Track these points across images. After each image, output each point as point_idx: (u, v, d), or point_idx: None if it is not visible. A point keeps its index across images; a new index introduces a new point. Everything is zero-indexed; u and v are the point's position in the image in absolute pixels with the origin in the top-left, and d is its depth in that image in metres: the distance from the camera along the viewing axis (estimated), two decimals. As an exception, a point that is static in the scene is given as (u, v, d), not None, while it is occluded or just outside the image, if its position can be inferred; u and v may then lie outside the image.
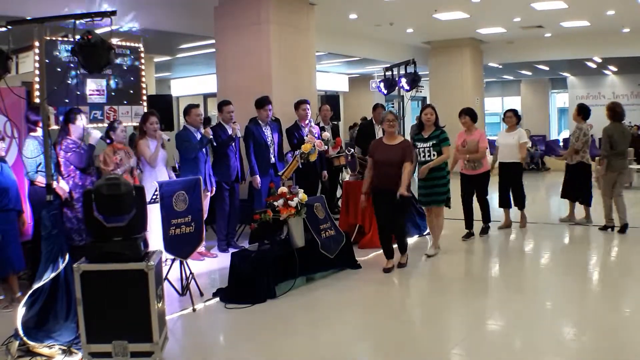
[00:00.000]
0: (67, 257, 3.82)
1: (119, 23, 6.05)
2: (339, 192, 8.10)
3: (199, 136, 6.05)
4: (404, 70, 8.52)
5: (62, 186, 4.95)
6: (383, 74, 8.85)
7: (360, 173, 6.60)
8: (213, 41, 8.69)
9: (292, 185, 5.57)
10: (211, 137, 6.07)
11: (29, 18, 4.04)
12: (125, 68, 6.28)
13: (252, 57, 7.97)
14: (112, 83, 6.12)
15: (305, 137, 6.75)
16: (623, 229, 6.97)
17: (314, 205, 5.44)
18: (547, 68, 18.67)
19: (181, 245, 4.76)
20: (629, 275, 5.41)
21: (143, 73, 6.50)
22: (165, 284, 4.30)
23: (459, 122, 6.86)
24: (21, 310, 3.66)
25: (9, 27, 3.82)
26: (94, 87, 5.96)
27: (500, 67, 17.37)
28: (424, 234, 6.98)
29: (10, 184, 4.62)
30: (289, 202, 5.05)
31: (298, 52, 8.25)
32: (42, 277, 3.73)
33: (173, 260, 5.05)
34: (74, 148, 5.06)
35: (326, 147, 6.98)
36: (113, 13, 3.75)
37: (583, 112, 7.51)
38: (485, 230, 7.01)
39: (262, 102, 6.58)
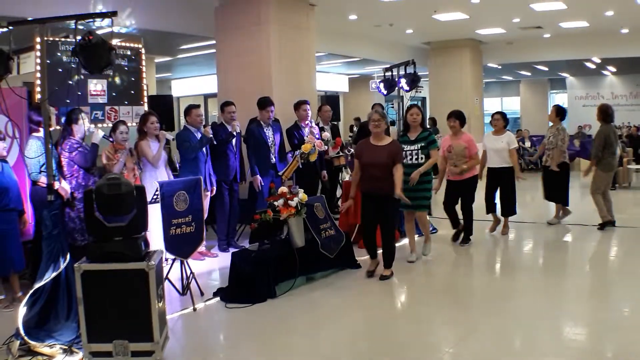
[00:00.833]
0: (68, 256, 3.83)
1: (120, 23, 6.06)
2: (339, 192, 8.11)
3: (199, 136, 6.07)
4: (404, 70, 8.52)
5: (64, 186, 4.97)
6: (383, 74, 8.85)
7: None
8: (213, 41, 8.70)
9: (292, 185, 5.58)
10: (211, 136, 6.08)
11: (30, 19, 4.05)
12: (126, 68, 6.29)
13: (252, 57, 7.99)
14: (118, 79, 6.14)
15: (305, 138, 6.77)
16: (605, 225, 7.21)
17: (314, 205, 5.45)
18: (546, 68, 18.70)
19: (182, 245, 4.78)
20: (629, 275, 5.41)
21: (144, 73, 6.51)
22: (166, 283, 4.32)
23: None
24: (22, 310, 3.67)
25: (10, 27, 3.83)
26: (94, 88, 5.98)
27: (500, 67, 17.40)
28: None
29: (11, 184, 4.63)
30: (289, 202, 5.06)
31: (298, 53, 8.26)
32: (43, 276, 3.74)
33: (174, 260, 5.06)
34: (78, 148, 5.08)
35: (326, 147, 6.99)
36: (114, 14, 3.76)
37: (561, 113, 7.50)
38: (466, 240, 6.55)
39: (265, 103, 6.60)
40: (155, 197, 4.77)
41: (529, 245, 6.84)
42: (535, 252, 6.58)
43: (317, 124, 7.54)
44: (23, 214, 4.82)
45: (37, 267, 3.96)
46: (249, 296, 4.70)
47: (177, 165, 6.56)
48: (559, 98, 24.29)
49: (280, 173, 6.52)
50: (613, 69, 19.43)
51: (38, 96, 5.00)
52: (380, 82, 8.92)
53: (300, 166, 6.48)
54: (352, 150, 7.30)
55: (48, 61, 4.84)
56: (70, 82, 5.64)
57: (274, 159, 6.66)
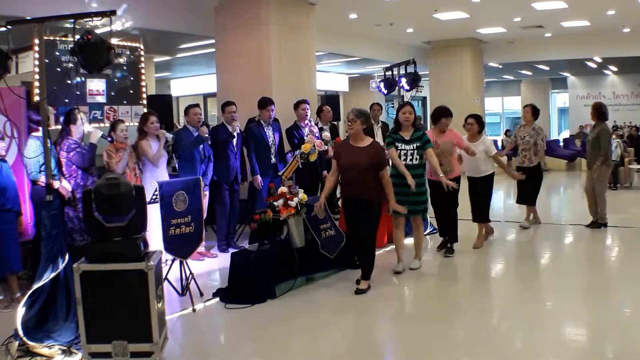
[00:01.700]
0: (66, 257, 3.82)
1: (118, 22, 6.05)
2: (338, 192, 8.09)
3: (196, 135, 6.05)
4: (404, 70, 8.51)
5: (65, 186, 4.96)
6: (383, 73, 8.83)
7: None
8: (213, 41, 8.69)
9: (292, 185, 5.56)
10: (206, 135, 6.06)
11: (28, 18, 4.04)
12: (125, 68, 6.27)
13: (252, 57, 7.97)
14: (117, 79, 6.13)
15: (305, 137, 6.75)
16: (599, 225, 7.17)
17: (314, 206, 5.43)
18: (547, 68, 18.67)
19: (181, 245, 4.77)
20: (630, 276, 5.40)
21: (143, 73, 6.49)
22: (165, 284, 4.30)
23: (454, 123, 6.24)
24: (21, 311, 3.66)
25: (9, 27, 3.82)
26: (93, 87, 5.97)
27: (501, 67, 17.38)
28: (425, 233, 6.97)
29: (9, 184, 4.61)
30: (289, 202, 5.04)
31: (298, 52, 8.24)
32: (42, 277, 3.73)
33: (173, 261, 5.05)
34: (76, 148, 5.06)
35: (326, 147, 6.98)
36: (113, 13, 3.75)
37: (537, 113, 7.31)
38: (450, 250, 6.11)
39: (265, 103, 6.61)
40: (154, 197, 4.76)
41: (529, 246, 6.82)
42: (535, 253, 6.56)
43: (316, 124, 7.52)
44: (20, 214, 4.81)
45: (36, 268, 3.95)
46: (249, 297, 4.69)
47: (176, 165, 6.55)
48: (560, 98, 24.28)
49: (280, 173, 6.51)
50: (614, 69, 19.40)
51: (37, 96, 4.99)
52: (380, 81, 8.90)
53: (300, 166, 6.46)
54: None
55: (47, 60, 4.83)
56: (69, 82, 5.63)
57: (273, 159, 6.66)
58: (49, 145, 3.94)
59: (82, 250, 3.96)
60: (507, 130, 18.71)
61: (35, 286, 3.72)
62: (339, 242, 5.48)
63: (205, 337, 4.14)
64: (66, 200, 4.97)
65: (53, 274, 3.74)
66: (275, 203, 5.09)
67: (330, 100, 11.64)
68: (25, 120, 5.09)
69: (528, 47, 14.15)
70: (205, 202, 6.02)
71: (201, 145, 6.05)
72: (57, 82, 5.29)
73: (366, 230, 4.89)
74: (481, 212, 6.42)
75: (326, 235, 5.39)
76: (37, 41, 4.83)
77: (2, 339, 3.74)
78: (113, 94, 6.16)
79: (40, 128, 4.79)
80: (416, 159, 5.35)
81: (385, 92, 8.73)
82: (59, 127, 5.27)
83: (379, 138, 7.25)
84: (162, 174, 5.79)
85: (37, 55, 5.02)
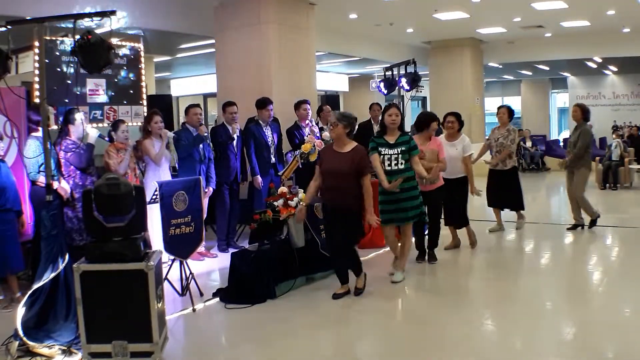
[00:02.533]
0: (66, 257, 3.82)
1: (119, 22, 6.06)
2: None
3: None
4: (404, 70, 8.52)
5: (64, 186, 4.96)
6: (383, 73, 8.84)
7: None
8: (213, 41, 8.69)
9: (292, 185, 5.56)
10: (206, 134, 6.06)
11: (28, 18, 4.04)
12: (125, 68, 6.27)
13: (252, 57, 7.97)
14: (117, 79, 6.13)
15: (305, 137, 6.76)
16: (593, 223, 7.12)
17: (314, 205, 5.42)
18: (547, 68, 18.68)
19: (181, 246, 4.77)
20: (631, 276, 5.40)
21: (143, 73, 6.50)
22: (165, 284, 4.30)
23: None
24: (21, 311, 3.65)
25: (9, 27, 3.82)
26: (93, 87, 5.97)
27: (501, 67, 17.38)
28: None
29: (8, 183, 4.61)
30: (289, 202, 5.04)
31: (298, 52, 8.24)
32: (41, 277, 3.73)
33: (173, 261, 5.05)
34: (74, 148, 5.07)
35: (326, 147, 6.98)
36: (113, 13, 3.75)
37: (512, 114, 7.05)
38: (433, 257, 5.87)
39: (264, 103, 6.62)
40: (154, 197, 4.76)
41: (529, 246, 6.82)
42: (534, 253, 6.56)
43: (317, 124, 7.53)
44: (21, 214, 4.80)
45: (36, 268, 3.95)
46: (249, 297, 4.68)
47: (176, 165, 6.56)
48: (560, 98, 24.28)
49: (279, 173, 6.51)
50: (614, 69, 19.40)
51: (37, 97, 4.99)
52: (380, 81, 8.91)
53: (300, 166, 6.46)
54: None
55: (47, 60, 4.83)
56: (69, 82, 5.63)
57: (273, 159, 6.67)
58: (48, 145, 3.94)
59: (81, 250, 3.95)
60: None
61: (35, 286, 3.72)
62: (339, 242, 5.47)
63: (205, 337, 4.14)
64: (65, 201, 4.97)
65: (53, 274, 3.73)
66: (275, 203, 5.08)
67: (330, 100, 11.67)
68: (25, 121, 5.09)
69: (528, 47, 14.15)
70: (205, 202, 6.03)
71: (200, 145, 6.05)
72: (57, 82, 5.29)
73: (345, 239, 4.64)
74: (461, 216, 6.23)
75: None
76: (37, 41, 4.84)
77: (2, 339, 3.74)
78: (113, 94, 6.16)
79: (40, 128, 4.81)
80: (401, 163, 5.01)
81: (385, 92, 8.74)
82: (58, 127, 5.27)
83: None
84: (165, 174, 5.81)
85: (37, 55, 5.02)
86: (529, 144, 15.63)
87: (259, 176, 6.50)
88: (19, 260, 4.71)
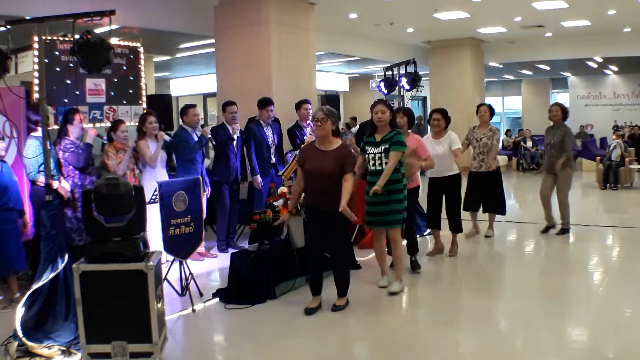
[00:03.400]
0: (66, 257, 3.81)
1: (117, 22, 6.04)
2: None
3: (196, 136, 6.05)
4: (404, 69, 8.51)
5: (64, 186, 4.95)
6: (383, 73, 8.83)
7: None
8: (213, 41, 8.68)
9: (292, 185, 5.55)
10: (209, 136, 6.06)
11: (28, 18, 4.04)
12: (125, 68, 6.26)
13: (252, 57, 7.97)
14: (116, 79, 6.12)
15: (306, 137, 6.75)
16: (565, 230, 6.84)
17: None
18: (547, 68, 18.66)
19: (181, 246, 4.76)
20: (631, 276, 5.39)
21: (142, 72, 6.49)
22: (165, 284, 4.29)
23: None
24: (20, 311, 3.65)
25: (8, 26, 3.81)
26: (93, 87, 5.96)
27: (501, 66, 17.36)
28: (424, 234, 6.96)
29: (9, 183, 4.61)
30: (289, 202, 5.03)
31: (298, 52, 8.24)
32: (41, 277, 3.73)
33: (173, 261, 5.04)
34: (72, 148, 5.06)
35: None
36: (112, 12, 3.75)
37: (493, 113, 6.79)
38: (416, 265, 5.52)
39: (265, 103, 6.62)
40: (154, 197, 4.75)
41: (529, 247, 6.81)
42: (534, 253, 6.55)
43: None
44: (23, 214, 4.80)
45: (35, 268, 3.94)
46: (249, 297, 4.68)
47: (175, 165, 6.55)
48: (561, 97, 24.25)
49: (280, 173, 6.50)
50: (615, 68, 19.37)
51: (36, 95, 4.98)
52: (380, 81, 8.90)
53: (301, 166, 6.45)
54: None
55: (46, 60, 4.83)
56: (68, 82, 5.62)
57: (273, 159, 6.67)
58: (48, 145, 3.93)
59: (81, 250, 3.95)
60: (508, 130, 18.71)
61: (35, 286, 3.72)
62: (339, 242, 5.45)
63: (205, 337, 4.14)
64: (65, 201, 4.96)
65: (52, 274, 3.74)
66: (275, 203, 5.07)
67: (330, 100, 11.65)
68: (24, 120, 5.08)
69: (528, 46, 14.14)
70: (204, 202, 6.02)
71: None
72: (56, 82, 5.28)
73: (334, 243, 4.42)
74: (454, 220, 5.94)
75: (326, 235, 5.36)
76: (36, 40, 4.83)
77: (2, 339, 3.73)
78: (113, 93, 6.15)
79: (39, 128, 4.80)
80: (385, 162, 4.67)
81: (386, 92, 8.72)
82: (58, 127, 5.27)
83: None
84: (161, 175, 5.78)
85: (36, 53, 5.01)
86: (529, 143, 15.63)
87: (258, 176, 6.50)
88: (21, 260, 4.70)
